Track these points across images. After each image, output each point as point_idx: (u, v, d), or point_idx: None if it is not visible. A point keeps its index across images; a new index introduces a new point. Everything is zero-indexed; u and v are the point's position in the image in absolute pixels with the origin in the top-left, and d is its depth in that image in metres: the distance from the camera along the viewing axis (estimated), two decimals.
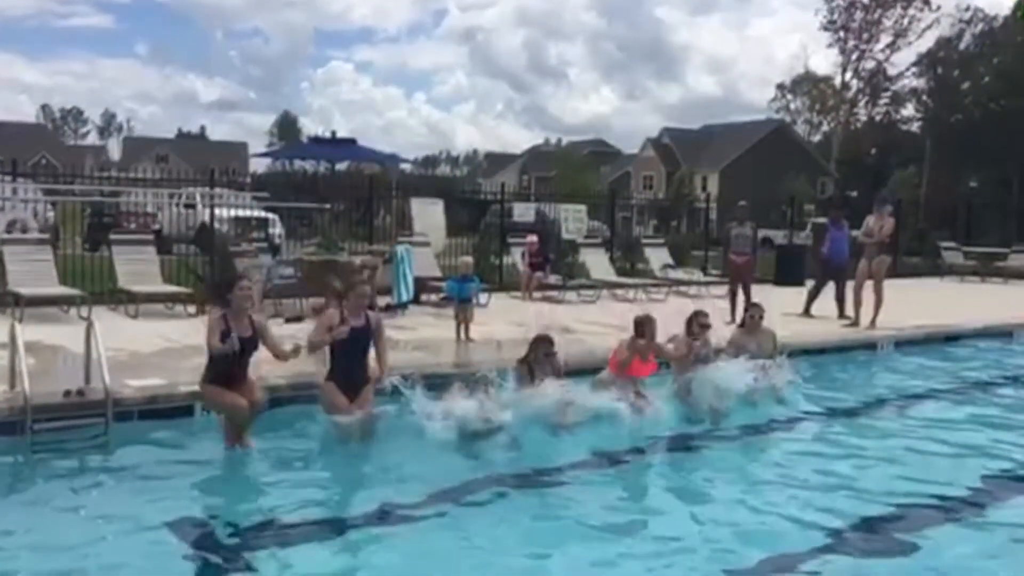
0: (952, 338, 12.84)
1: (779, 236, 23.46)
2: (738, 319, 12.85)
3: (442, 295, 13.03)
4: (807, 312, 13.88)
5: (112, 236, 12.92)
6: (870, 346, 11.91)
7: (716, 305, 14.13)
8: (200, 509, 5.49)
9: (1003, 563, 5.11)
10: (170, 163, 56.51)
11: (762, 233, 23.76)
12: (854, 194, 42.11)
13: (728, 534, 5.33)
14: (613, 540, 5.20)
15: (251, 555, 4.80)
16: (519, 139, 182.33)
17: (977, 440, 7.69)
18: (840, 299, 13.60)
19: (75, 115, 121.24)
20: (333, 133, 19.32)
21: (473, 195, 24.89)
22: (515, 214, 19.04)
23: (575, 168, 55.56)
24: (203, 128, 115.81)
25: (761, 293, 13.88)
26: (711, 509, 5.85)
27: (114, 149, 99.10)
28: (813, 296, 14.02)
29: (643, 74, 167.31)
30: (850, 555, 5.12)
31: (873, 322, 12.77)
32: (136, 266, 12.10)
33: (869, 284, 12.96)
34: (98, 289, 12.24)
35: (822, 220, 14.32)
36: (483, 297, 13.43)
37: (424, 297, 13.81)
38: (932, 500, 6.06)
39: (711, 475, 6.63)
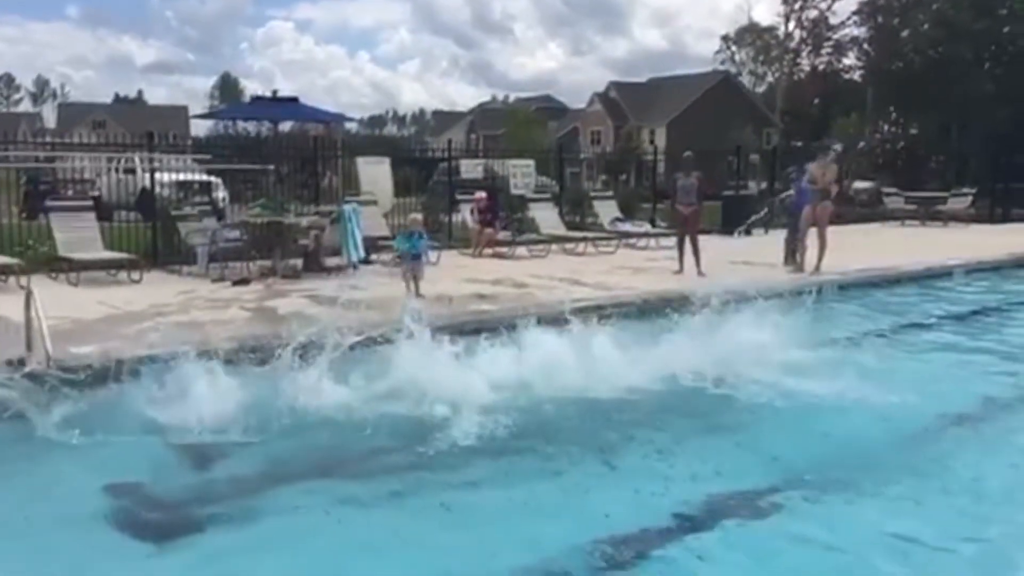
0: (894, 280, 13.15)
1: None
2: (686, 269, 13.07)
3: (394, 254, 12.96)
4: (792, 262, 13.90)
5: (49, 203, 12.62)
6: (816, 290, 12.09)
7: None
8: (143, 475, 5.43)
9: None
10: (108, 129, 54.87)
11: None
12: (799, 144, 42.49)
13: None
14: None
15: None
16: (466, 97, 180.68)
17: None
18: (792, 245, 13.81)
19: (6, 82, 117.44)
20: (274, 92, 18.95)
21: (420, 153, 24.69)
22: (463, 171, 18.95)
23: (523, 125, 55.32)
24: (140, 92, 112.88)
25: (708, 242, 14.06)
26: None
27: (49, 116, 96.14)
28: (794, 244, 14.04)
29: (589, 28, 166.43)
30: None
31: (817, 267, 13.02)
32: (75, 233, 11.83)
33: (813, 231, 13.18)
34: (37, 258, 11.96)
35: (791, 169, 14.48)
36: (432, 255, 13.38)
37: (374, 257, 13.72)
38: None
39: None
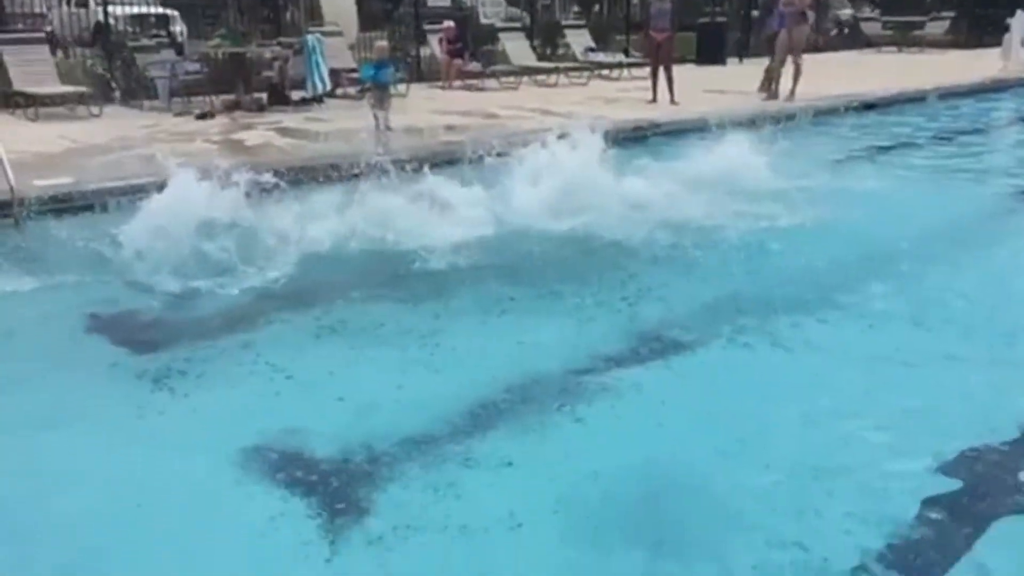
0: (867, 106, 13.07)
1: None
2: (659, 98, 12.88)
3: (360, 87, 12.64)
4: (767, 88, 13.61)
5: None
6: (789, 117, 12.04)
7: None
8: (117, 304, 5.43)
9: None
10: None
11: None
12: None
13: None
14: None
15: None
16: None
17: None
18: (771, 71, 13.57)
19: None
20: None
21: None
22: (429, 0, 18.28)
23: None
24: None
25: (682, 72, 13.81)
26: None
27: None
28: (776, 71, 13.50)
29: None
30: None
31: (792, 94, 12.86)
32: (31, 67, 11.40)
33: (789, 58, 12.96)
34: None
35: None
36: (401, 87, 13.08)
37: (340, 90, 13.39)
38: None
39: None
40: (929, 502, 3.29)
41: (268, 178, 6.52)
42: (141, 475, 3.52)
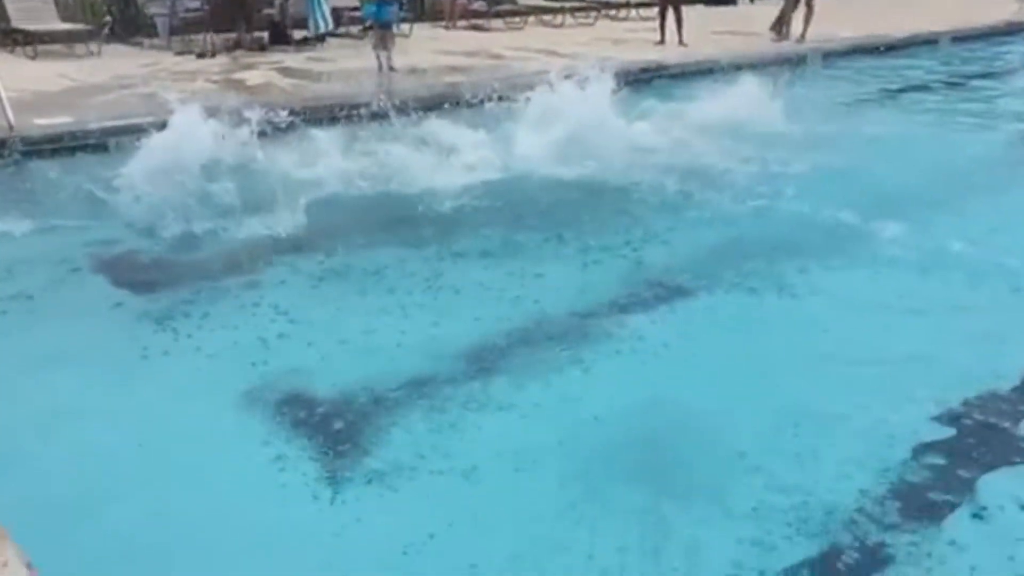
0: (880, 48, 12.85)
1: None
2: (668, 39, 12.67)
3: (363, 26, 12.45)
4: (778, 30, 13.32)
5: None
6: (800, 59, 11.87)
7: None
8: (119, 240, 5.42)
9: None
10: None
11: None
12: None
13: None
14: None
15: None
16: None
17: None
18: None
19: None
20: None
21: None
22: None
23: None
24: None
25: (691, 12, 13.56)
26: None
27: None
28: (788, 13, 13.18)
29: None
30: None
31: (803, 35, 12.64)
32: (29, 3, 11.23)
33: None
34: None
35: None
36: (405, 27, 12.89)
37: (342, 30, 13.19)
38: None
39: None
40: (931, 447, 3.30)
41: (271, 117, 6.44)
42: (145, 414, 3.54)
